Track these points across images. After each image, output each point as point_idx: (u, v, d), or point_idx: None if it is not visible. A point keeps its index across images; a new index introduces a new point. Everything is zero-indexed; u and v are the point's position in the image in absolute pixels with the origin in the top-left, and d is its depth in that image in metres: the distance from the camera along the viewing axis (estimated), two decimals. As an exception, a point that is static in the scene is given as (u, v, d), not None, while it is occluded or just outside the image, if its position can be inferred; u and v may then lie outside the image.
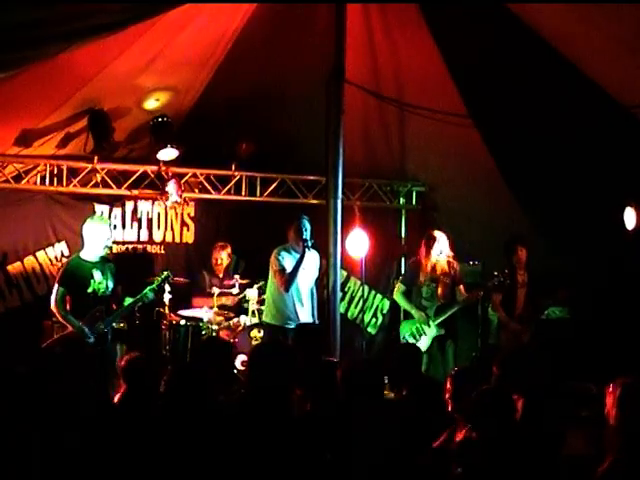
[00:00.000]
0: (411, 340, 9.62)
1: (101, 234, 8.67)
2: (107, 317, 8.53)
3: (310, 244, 9.06)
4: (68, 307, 8.51)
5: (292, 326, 9.10)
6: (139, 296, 8.79)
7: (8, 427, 4.91)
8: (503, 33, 8.32)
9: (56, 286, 8.55)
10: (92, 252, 8.64)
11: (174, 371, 5.73)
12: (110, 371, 8.19)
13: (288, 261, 9.16)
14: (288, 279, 9.09)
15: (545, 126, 9.01)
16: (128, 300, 8.90)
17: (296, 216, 9.31)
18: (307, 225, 9.13)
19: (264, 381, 4.93)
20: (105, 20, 6.71)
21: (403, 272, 9.90)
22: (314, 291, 9.42)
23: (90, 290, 8.49)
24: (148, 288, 8.85)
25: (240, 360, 9.36)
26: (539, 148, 9.45)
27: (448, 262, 9.82)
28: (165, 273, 9.18)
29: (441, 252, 9.74)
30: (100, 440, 4.88)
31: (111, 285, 8.64)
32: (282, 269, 9.12)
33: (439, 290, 9.76)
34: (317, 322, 9.28)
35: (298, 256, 9.15)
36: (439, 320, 9.62)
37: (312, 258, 9.29)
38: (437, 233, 9.80)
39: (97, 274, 8.53)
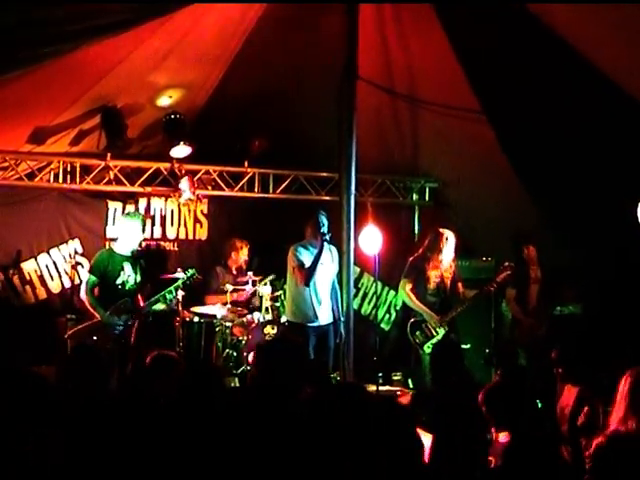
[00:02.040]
0: (421, 339, 9.60)
1: (135, 229, 8.90)
2: (132, 311, 8.66)
3: (328, 238, 9.08)
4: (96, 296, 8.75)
5: (312, 324, 9.11)
6: (164, 292, 8.91)
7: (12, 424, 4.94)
8: (515, 28, 8.29)
9: (87, 275, 8.79)
10: (125, 246, 8.91)
11: (188, 368, 5.75)
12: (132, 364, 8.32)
13: (306, 256, 9.19)
14: (308, 273, 9.10)
15: (558, 122, 8.99)
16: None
17: (313, 211, 9.36)
18: (325, 220, 9.17)
19: (271, 377, 4.95)
20: (116, 19, 6.74)
21: (407, 269, 9.82)
22: (337, 286, 9.42)
23: (119, 282, 8.68)
24: (173, 286, 8.98)
25: (252, 357, 9.38)
26: (552, 144, 9.42)
27: (454, 260, 9.85)
28: (191, 271, 9.25)
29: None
30: (111, 435, 4.89)
31: (139, 280, 8.79)
32: (301, 264, 9.14)
33: (445, 285, 9.75)
34: (341, 319, 9.27)
35: (316, 251, 9.16)
36: (449, 318, 9.61)
37: (329, 253, 9.30)
38: (448, 232, 9.78)
39: (127, 267, 8.77)
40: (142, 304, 8.99)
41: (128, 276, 8.79)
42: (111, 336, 8.50)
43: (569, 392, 6.85)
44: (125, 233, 8.96)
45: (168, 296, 8.97)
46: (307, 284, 9.12)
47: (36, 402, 4.58)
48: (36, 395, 4.58)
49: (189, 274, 9.21)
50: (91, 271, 8.82)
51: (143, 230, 9.26)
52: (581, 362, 6.70)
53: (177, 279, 9.31)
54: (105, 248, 9.26)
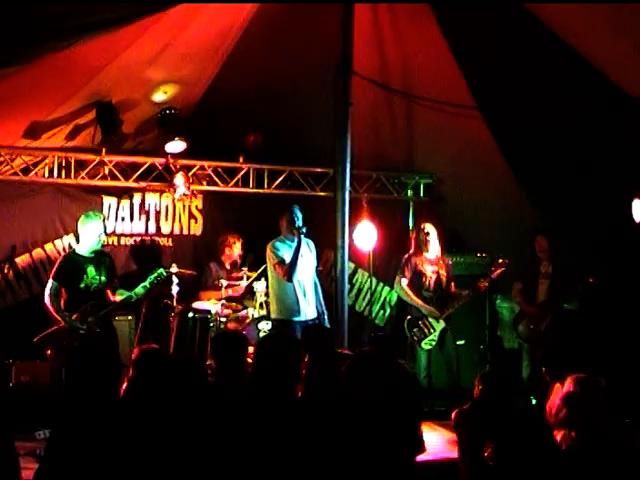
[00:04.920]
0: (419, 335, 9.61)
1: (94, 230, 8.83)
2: (99, 312, 8.63)
3: (304, 230, 9.08)
4: (62, 301, 8.68)
5: (298, 319, 9.12)
6: (130, 293, 8.89)
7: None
8: (511, 24, 8.30)
9: (50, 281, 8.72)
10: (86, 247, 8.81)
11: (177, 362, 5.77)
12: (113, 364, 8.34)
13: (285, 251, 9.18)
14: (289, 268, 9.09)
15: (553, 118, 8.99)
16: (122, 293, 8.95)
17: (286, 206, 9.37)
18: (299, 213, 9.16)
19: (270, 372, 4.96)
20: (112, 15, 6.75)
21: (402, 265, 9.85)
22: (317, 282, 9.45)
23: (82, 285, 8.64)
24: (140, 285, 8.94)
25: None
26: (547, 140, 9.43)
27: (442, 256, 9.86)
28: (159, 270, 9.19)
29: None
30: (105, 431, 4.88)
31: (105, 279, 8.76)
32: (281, 260, 9.13)
33: (441, 282, 9.77)
34: (324, 313, 9.30)
35: (293, 245, 9.16)
36: (445, 315, 9.62)
37: (307, 246, 9.32)
38: (428, 225, 9.82)
39: (91, 269, 8.69)
40: (112, 299, 8.93)
41: (92, 278, 8.72)
42: (77, 337, 8.50)
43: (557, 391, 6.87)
44: (85, 234, 8.89)
45: (137, 296, 8.96)
46: (290, 279, 9.12)
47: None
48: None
49: (156, 273, 9.14)
50: (53, 277, 8.75)
51: (105, 230, 9.17)
52: (565, 361, 6.65)
53: (171, 279, 9.32)
54: (68, 252, 9.22)
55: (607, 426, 5.08)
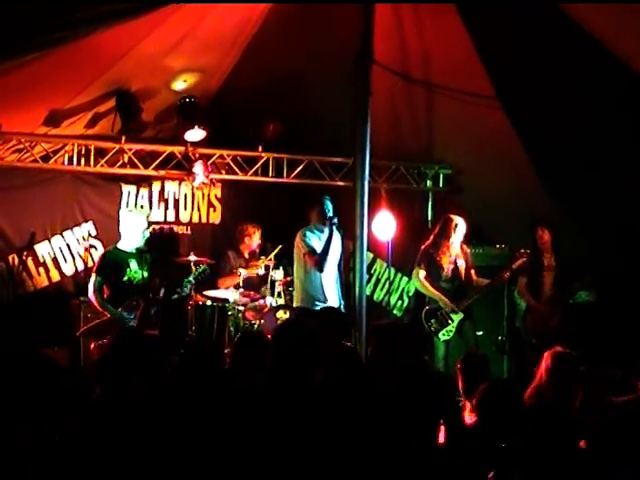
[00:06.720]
0: (436, 326, 9.60)
1: (138, 226, 8.90)
2: (145, 307, 8.71)
3: (336, 221, 9.12)
4: (106, 295, 8.74)
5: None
6: (178, 290, 9.00)
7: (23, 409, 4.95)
8: (532, 14, 8.24)
9: (93, 276, 8.78)
10: (129, 243, 8.89)
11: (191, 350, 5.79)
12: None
13: (315, 241, 9.23)
14: (320, 258, 9.15)
15: (574, 110, 8.94)
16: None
17: (317, 197, 9.44)
18: (329, 204, 9.21)
19: (287, 360, 4.96)
20: (131, 4, 6.75)
21: (420, 256, 9.83)
22: (338, 273, 9.46)
23: (126, 278, 8.72)
24: (185, 281, 9.07)
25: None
26: (567, 131, 9.37)
27: (461, 245, 9.84)
28: (202, 267, 9.37)
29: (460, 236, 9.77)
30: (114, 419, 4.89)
31: (147, 275, 8.81)
32: (311, 250, 9.18)
33: (459, 272, 9.75)
34: (342, 304, 9.33)
35: (322, 235, 9.22)
36: (464, 306, 9.61)
37: (336, 238, 9.34)
38: (458, 218, 9.78)
39: (133, 263, 8.76)
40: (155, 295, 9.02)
41: (135, 272, 8.80)
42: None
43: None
44: (130, 229, 8.94)
45: (183, 292, 9.09)
46: (321, 269, 9.17)
47: (49, 386, 4.58)
48: (49, 379, 4.58)
49: (200, 270, 9.28)
50: (96, 272, 8.81)
51: (148, 226, 9.25)
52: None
53: (190, 267, 9.38)
54: (110, 247, 9.28)
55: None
